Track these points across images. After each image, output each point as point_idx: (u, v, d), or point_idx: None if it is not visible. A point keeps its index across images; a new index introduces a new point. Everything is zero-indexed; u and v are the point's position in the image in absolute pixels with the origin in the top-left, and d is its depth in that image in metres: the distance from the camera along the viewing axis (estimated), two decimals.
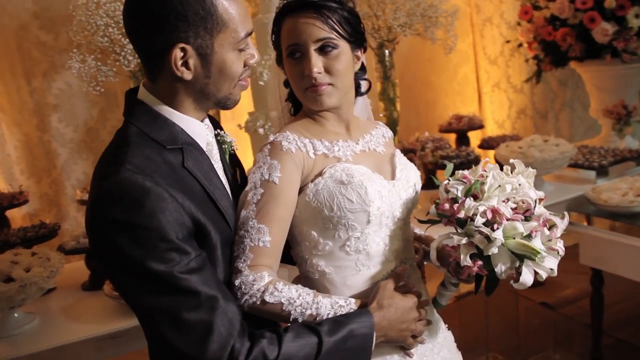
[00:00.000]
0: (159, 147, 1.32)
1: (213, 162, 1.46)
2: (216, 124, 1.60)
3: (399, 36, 3.13)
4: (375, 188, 1.51)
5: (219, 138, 1.55)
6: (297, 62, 1.49)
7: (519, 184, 1.50)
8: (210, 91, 1.37)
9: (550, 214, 1.51)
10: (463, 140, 3.80)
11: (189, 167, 1.34)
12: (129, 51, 2.49)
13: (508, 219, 1.41)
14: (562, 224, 1.49)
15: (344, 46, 1.51)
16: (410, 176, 1.63)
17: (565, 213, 1.53)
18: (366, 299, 1.47)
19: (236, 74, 1.36)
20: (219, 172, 1.47)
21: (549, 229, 1.45)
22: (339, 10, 1.50)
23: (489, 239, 1.39)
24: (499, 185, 1.48)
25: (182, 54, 1.27)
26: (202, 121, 1.45)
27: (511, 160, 1.60)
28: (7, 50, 3.13)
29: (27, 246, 2.59)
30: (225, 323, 1.25)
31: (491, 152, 3.60)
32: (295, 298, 1.40)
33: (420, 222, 1.57)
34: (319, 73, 1.48)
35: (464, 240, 1.43)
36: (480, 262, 1.42)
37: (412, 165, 1.69)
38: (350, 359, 1.37)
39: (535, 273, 1.43)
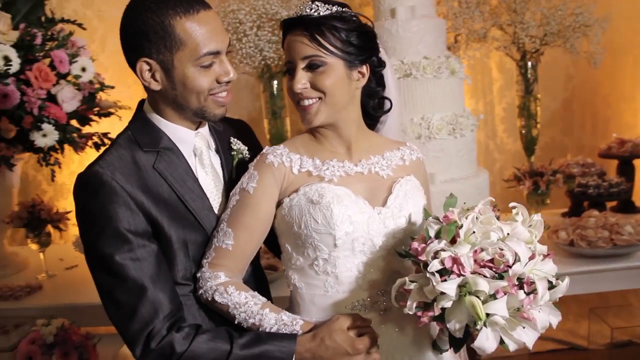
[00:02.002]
0: (138, 149, 1.41)
1: (198, 167, 1.48)
2: (242, 133, 1.63)
3: (543, 47, 2.76)
4: (345, 212, 1.38)
5: (232, 145, 1.57)
6: (290, 78, 1.44)
7: (507, 234, 1.25)
8: (181, 102, 1.41)
9: (551, 275, 1.23)
10: (626, 169, 3.20)
11: (159, 168, 1.40)
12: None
13: (472, 272, 1.19)
14: (555, 289, 1.21)
15: (333, 63, 1.39)
16: (404, 206, 1.45)
17: (567, 277, 1.23)
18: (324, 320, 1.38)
19: (201, 89, 1.38)
20: (202, 176, 1.49)
21: (529, 293, 1.19)
22: (332, 27, 1.39)
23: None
24: (483, 232, 1.25)
25: (147, 67, 1.37)
26: (196, 129, 1.48)
27: (511, 204, 1.33)
28: None
29: None
30: (148, 309, 1.34)
31: None
32: (242, 304, 1.39)
33: (399, 254, 1.40)
34: (305, 89, 1.41)
35: (412, 286, 1.24)
36: (430, 313, 1.21)
37: (418, 194, 1.50)
38: None
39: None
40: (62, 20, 2.51)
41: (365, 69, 1.44)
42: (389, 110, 1.57)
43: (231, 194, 1.47)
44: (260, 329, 1.38)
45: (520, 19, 2.69)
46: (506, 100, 3.60)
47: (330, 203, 1.38)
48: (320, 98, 1.41)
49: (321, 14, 1.42)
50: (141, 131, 1.44)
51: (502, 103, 3.64)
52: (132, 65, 1.40)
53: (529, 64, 2.87)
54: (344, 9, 1.45)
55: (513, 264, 1.20)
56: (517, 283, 1.18)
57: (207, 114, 1.43)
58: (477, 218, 1.27)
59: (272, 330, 1.37)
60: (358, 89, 1.46)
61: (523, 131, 3.05)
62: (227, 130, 1.59)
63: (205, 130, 1.51)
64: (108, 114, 2.57)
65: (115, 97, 2.62)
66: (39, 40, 2.33)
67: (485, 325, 1.17)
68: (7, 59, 2.20)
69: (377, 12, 2.37)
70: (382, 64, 1.50)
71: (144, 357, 1.35)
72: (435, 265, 1.21)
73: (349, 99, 1.44)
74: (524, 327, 1.20)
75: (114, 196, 1.33)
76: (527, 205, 2.53)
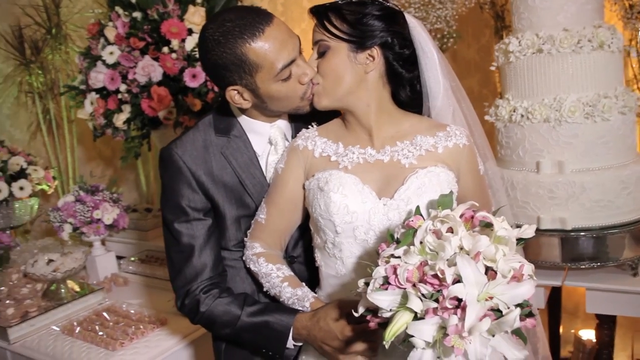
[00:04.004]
0: (212, 133, 1.57)
1: (272, 154, 1.58)
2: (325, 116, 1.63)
3: None
4: (343, 201, 1.37)
5: None
6: None
7: (461, 248, 1.09)
8: (273, 109, 1.51)
9: (516, 302, 1.04)
10: None
11: (225, 154, 1.56)
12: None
13: (413, 286, 1.08)
14: (500, 320, 1.02)
15: (336, 46, 1.37)
16: (414, 199, 1.34)
17: (518, 309, 1.02)
18: (330, 301, 1.42)
19: (291, 95, 1.45)
20: (274, 162, 1.58)
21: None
22: (339, 12, 1.37)
23: None
24: (438, 244, 1.11)
25: (236, 92, 1.46)
26: (274, 123, 1.57)
27: (480, 214, 1.12)
28: None
29: None
30: (191, 272, 1.56)
31: None
32: (267, 275, 1.51)
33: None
34: (314, 74, 1.42)
35: (362, 288, 1.18)
36: (377, 320, 1.15)
37: (438, 188, 1.35)
38: (265, 343, 1.49)
39: None
40: (253, 5, 2.81)
41: (375, 51, 1.36)
42: (418, 94, 1.45)
43: None
44: (281, 299, 1.50)
45: None
46: None
47: (330, 191, 1.39)
48: (318, 83, 1.41)
49: (339, 1, 1.40)
50: (219, 118, 1.59)
51: None
52: (222, 92, 1.50)
53: None
54: None
55: (455, 283, 1.05)
56: (450, 306, 1.04)
57: (299, 112, 1.51)
58: (432, 227, 1.13)
59: (288, 303, 1.47)
60: (368, 72, 1.38)
61: None
62: (311, 115, 1.59)
63: (282, 121, 1.60)
64: None
65: None
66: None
67: (403, 344, 1.07)
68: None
69: None
70: (405, 46, 1.39)
71: (179, 308, 1.60)
72: (379, 272, 1.14)
73: (356, 83, 1.39)
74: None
75: (180, 174, 1.54)
76: None
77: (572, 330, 2.74)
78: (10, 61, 3.71)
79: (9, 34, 3.64)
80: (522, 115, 1.89)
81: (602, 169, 1.86)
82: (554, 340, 2.16)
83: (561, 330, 2.47)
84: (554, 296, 2.13)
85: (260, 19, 1.38)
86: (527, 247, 1.91)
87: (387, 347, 1.05)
